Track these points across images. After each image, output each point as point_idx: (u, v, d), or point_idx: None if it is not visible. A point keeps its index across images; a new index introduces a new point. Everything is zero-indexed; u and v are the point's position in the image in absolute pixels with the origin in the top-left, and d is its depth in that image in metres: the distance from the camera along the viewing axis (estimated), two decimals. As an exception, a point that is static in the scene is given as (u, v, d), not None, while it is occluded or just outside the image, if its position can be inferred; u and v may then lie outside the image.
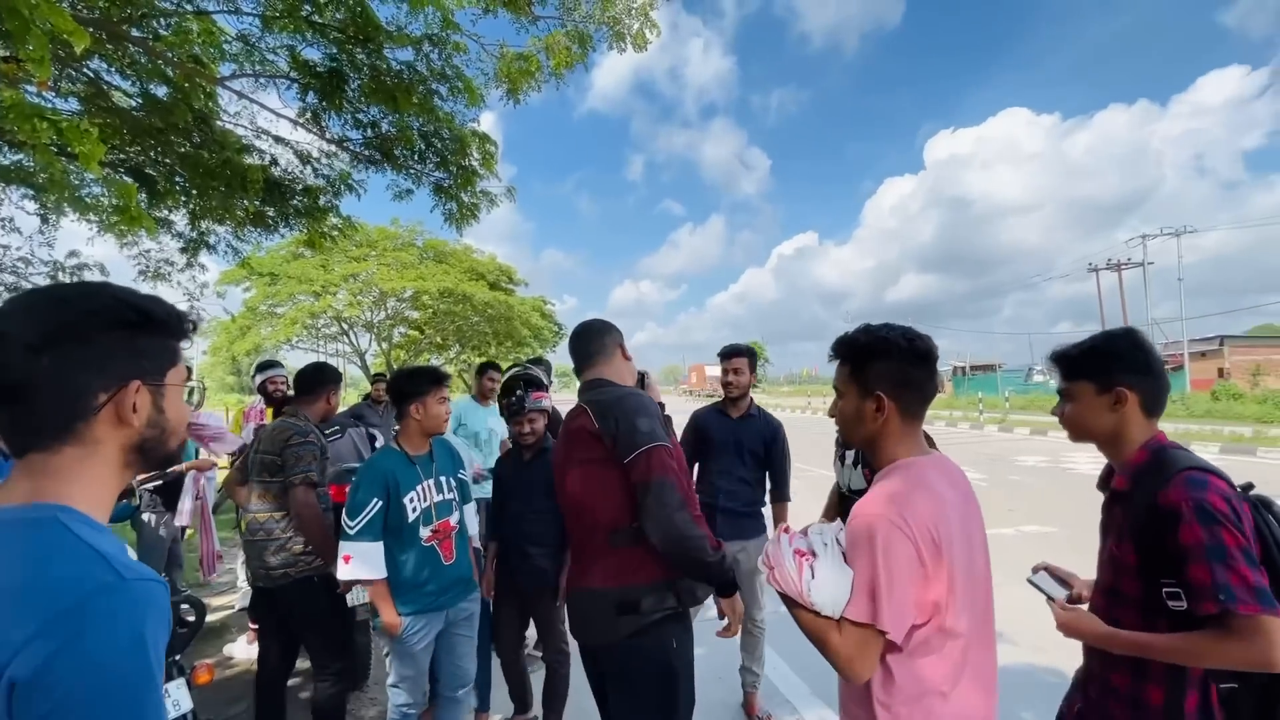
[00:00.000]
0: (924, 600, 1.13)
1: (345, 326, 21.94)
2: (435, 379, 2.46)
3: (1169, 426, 16.10)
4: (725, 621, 1.77)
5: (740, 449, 3.05)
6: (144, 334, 0.78)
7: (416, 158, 5.93)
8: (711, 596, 1.76)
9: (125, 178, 4.73)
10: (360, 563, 2.24)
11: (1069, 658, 3.27)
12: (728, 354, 3.11)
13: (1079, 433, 1.44)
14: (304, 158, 5.90)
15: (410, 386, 2.42)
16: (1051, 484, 8.90)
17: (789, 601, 1.20)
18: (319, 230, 6.71)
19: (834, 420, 1.39)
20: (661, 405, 2.27)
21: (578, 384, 1.88)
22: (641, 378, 2.82)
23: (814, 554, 1.20)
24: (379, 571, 2.27)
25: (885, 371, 1.23)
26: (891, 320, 1.29)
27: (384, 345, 23.28)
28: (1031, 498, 7.96)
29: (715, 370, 3.45)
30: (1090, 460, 11.00)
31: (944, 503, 1.18)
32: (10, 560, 0.64)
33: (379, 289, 19.33)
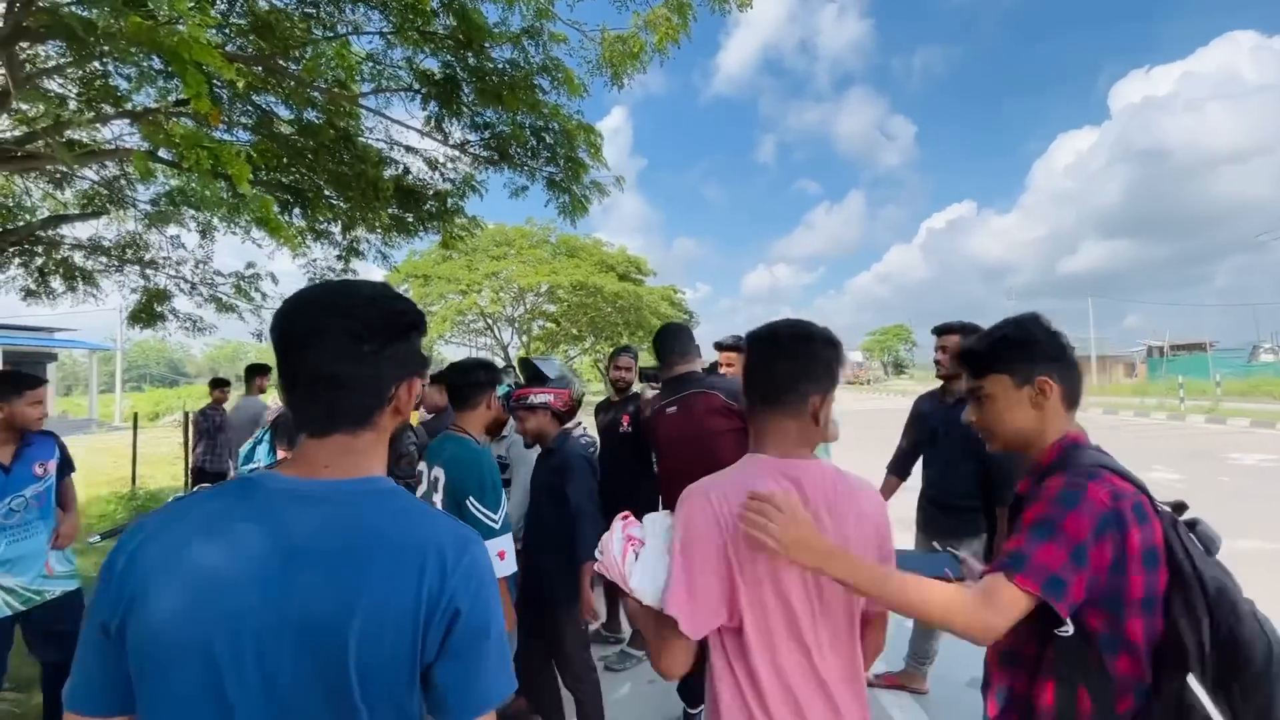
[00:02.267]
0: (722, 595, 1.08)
1: (489, 322, 23.75)
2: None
3: None
4: None
5: (954, 436, 2.86)
6: (420, 334, 0.88)
7: (530, 154, 6.15)
8: None
9: (280, 194, 5.39)
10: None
11: None
12: (940, 331, 2.98)
13: (999, 436, 1.25)
14: (432, 164, 6.36)
15: None
16: (1275, 488, 7.26)
17: (619, 590, 1.17)
18: (450, 231, 7.24)
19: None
20: None
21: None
22: (713, 367, 3.15)
23: (643, 542, 1.16)
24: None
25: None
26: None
27: (524, 338, 24.88)
28: (1247, 505, 6.54)
29: (856, 355, 3.37)
30: (1260, 456, 8.82)
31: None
32: (398, 518, 0.79)
33: (518, 285, 20.67)
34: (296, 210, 5.77)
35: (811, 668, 1.09)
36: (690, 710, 2.72)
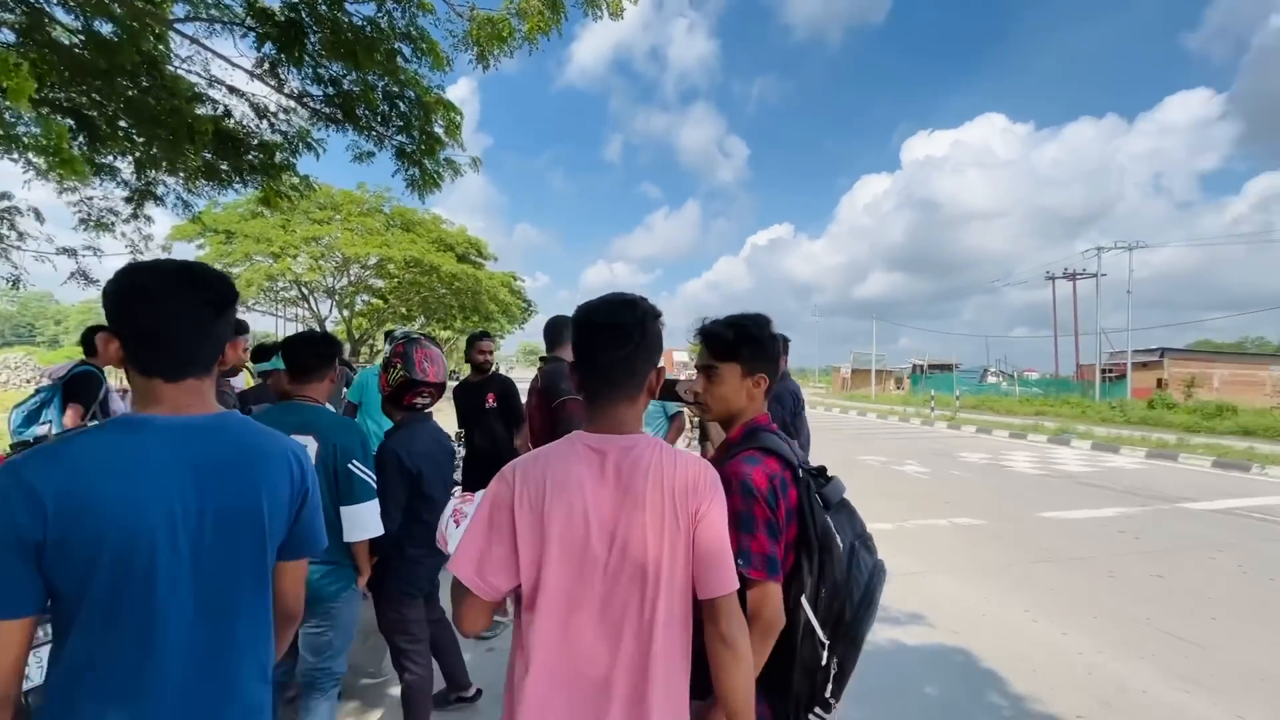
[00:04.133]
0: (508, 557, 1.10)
1: (305, 291, 21.36)
2: None
3: (1103, 431, 16.88)
4: None
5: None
6: (236, 305, 1.13)
7: (379, 120, 5.79)
8: None
9: (62, 119, 4.51)
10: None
11: (979, 640, 3.45)
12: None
13: (720, 411, 1.48)
14: (260, 111, 5.70)
15: None
16: (987, 480, 9.30)
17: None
18: (275, 188, 6.51)
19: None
20: None
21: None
22: None
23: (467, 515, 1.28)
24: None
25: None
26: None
27: (345, 312, 22.77)
28: (968, 492, 8.30)
29: (682, 355, 3.86)
30: (1028, 459, 11.50)
31: (565, 470, 1.13)
32: (262, 436, 1.12)
33: (342, 254, 18.85)
34: (80, 139, 4.85)
35: (609, 654, 1.09)
36: None
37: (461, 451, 3.68)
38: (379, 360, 4.17)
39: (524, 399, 3.51)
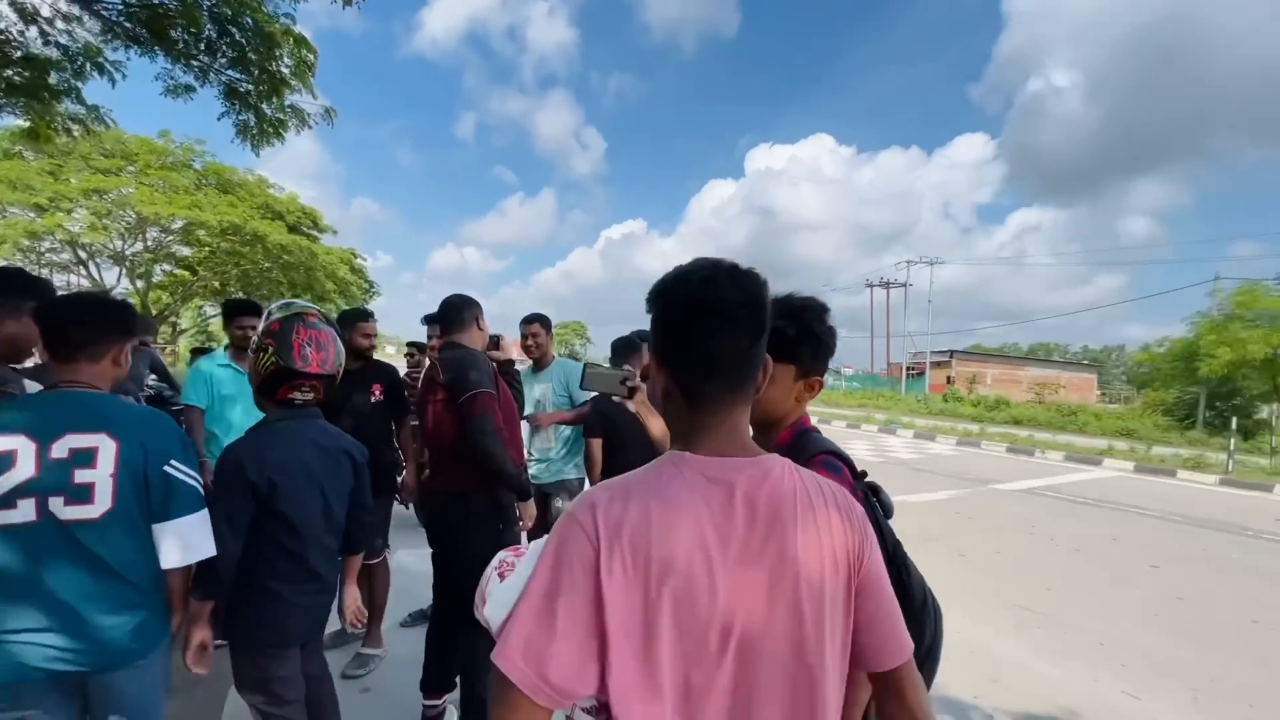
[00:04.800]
0: (590, 653, 0.72)
1: (83, 255, 17.50)
2: None
3: (922, 422, 19.25)
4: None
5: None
6: None
7: (203, 47, 4.72)
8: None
9: None
10: None
11: None
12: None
13: (758, 415, 1.20)
14: (27, 14, 4.37)
15: None
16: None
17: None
18: (46, 118, 5.09)
19: None
20: (511, 361, 2.81)
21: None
22: (495, 340, 3.04)
23: (513, 566, 0.91)
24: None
25: (653, 319, 0.87)
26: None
27: (139, 284, 19.06)
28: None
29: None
30: (866, 447, 12.71)
31: (677, 513, 0.76)
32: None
33: (136, 213, 15.65)
34: None
35: None
36: (429, 703, 2.47)
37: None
38: (186, 342, 3.31)
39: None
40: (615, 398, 1.67)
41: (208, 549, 1.49)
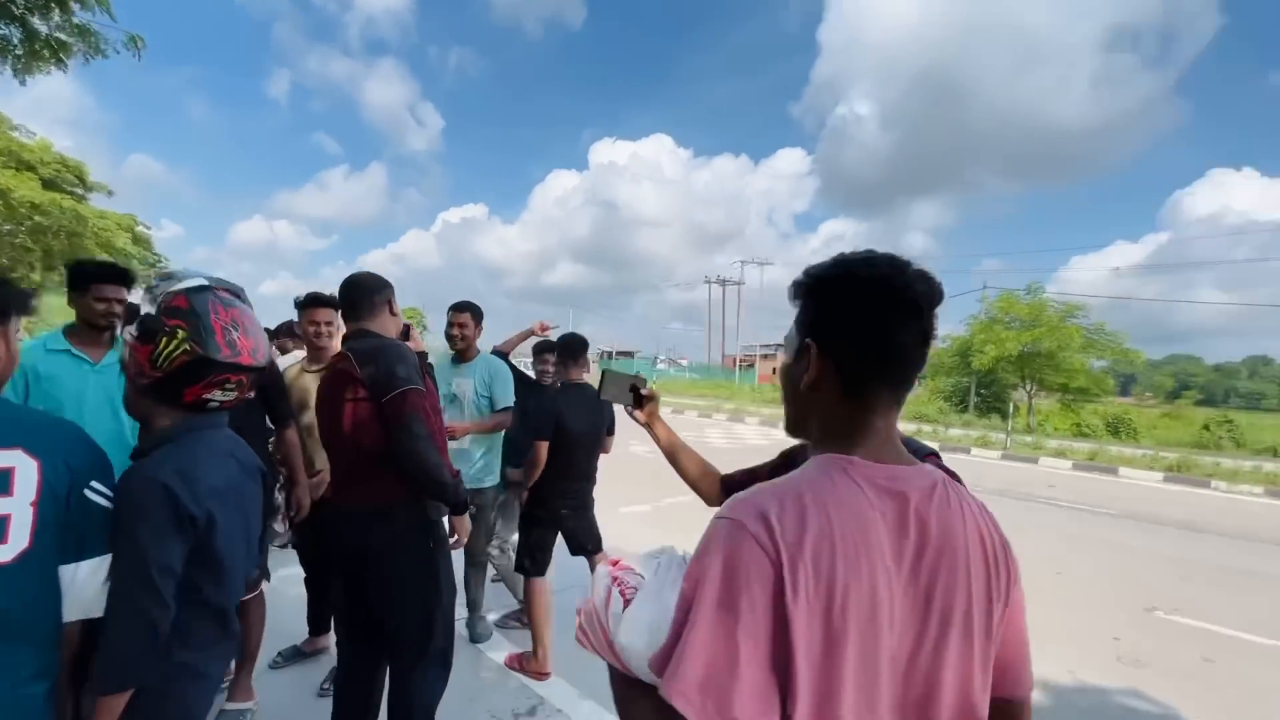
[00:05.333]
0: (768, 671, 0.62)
1: None
2: None
3: (768, 411, 20.78)
4: (457, 539, 2.25)
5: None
6: None
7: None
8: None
9: None
10: None
11: None
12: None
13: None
14: None
15: None
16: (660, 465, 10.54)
17: (614, 676, 0.77)
18: None
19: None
20: (423, 354, 2.50)
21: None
22: (406, 330, 2.65)
23: (635, 588, 0.80)
24: None
25: (827, 313, 0.77)
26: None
27: None
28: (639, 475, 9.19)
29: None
30: (720, 435, 13.41)
31: (860, 527, 0.67)
32: None
33: None
34: None
35: None
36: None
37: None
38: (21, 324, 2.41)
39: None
40: (622, 406, 1.54)
41: (95, 605, 1.08)
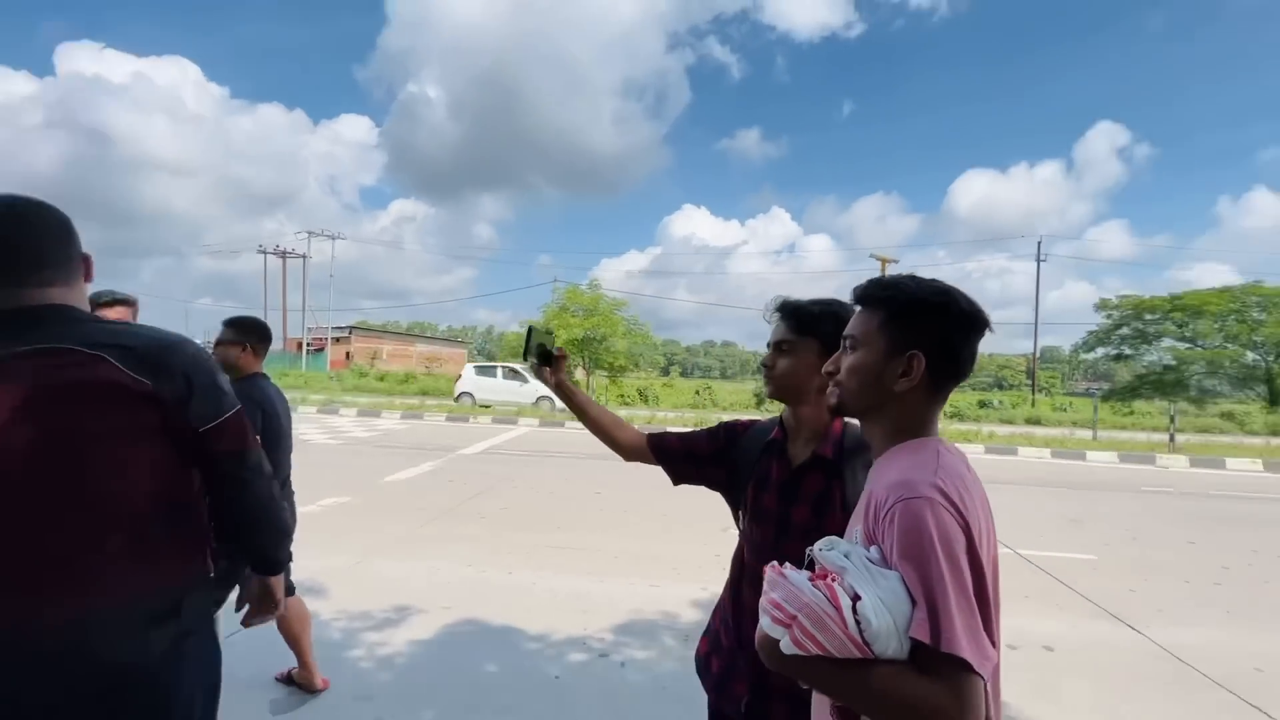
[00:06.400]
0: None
1: None
2: None
3: (365, 400, 19.01)
4: (252, 607, 1.54)
5: None
6: None
7: None
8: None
9: None
10: None
11: (470, 604, 3.77)
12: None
13: (804, 386, 1.37)
14: None
15: None
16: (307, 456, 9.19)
17: (827, 672, 0.79)
18: None
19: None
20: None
21: None
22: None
23: (835, 573, 0.82)
24: None
25: (932, 331, 0.96)
26: None
27: None
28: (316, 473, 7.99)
29: None
30: (321, 434, 11.79)
31: (976, 489, 0.91)
32: None
33: None
34: None
35: None
36: None
37: None
38: None
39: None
40: (526, 368, 1.49)
41: None
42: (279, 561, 1.43)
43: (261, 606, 1.49)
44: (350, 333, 47.63)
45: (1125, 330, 30.04)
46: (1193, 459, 11.76)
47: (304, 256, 41.17)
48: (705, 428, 1.58)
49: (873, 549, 0.86)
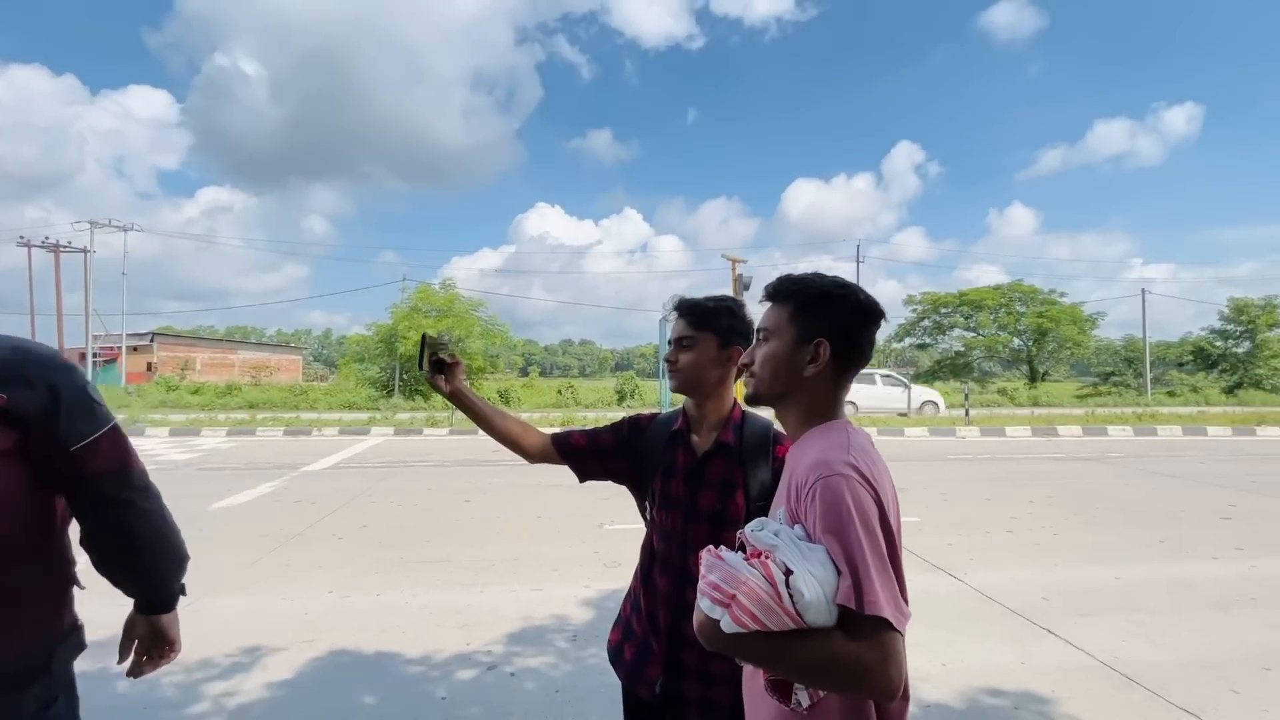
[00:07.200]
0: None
1: None
2: None
3: (177, 417, 16.42)
4: (139, 653, 1.26)
5: None
6: None
7: None
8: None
9: None
10: None
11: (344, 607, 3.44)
12: None
13: (702, 380, 1.48)
14: None
15: None
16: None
17: (763, 646, 0.84)
18: None
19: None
20: None
21: None
22: None
23: (767, 551, 0.88)
24: None
25: (836, 320, 1.05)
26: None
27: None
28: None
29: None
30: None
31: (882, 462, 1.00)
32: None
33: None
34: None
35: None
36: None
37: None
38: None
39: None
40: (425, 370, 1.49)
41: None
42: (173, 595, 1.25)
43: (153, 651, 1.26)
44: (152, 340, 41.04)
45: (926, 322, 36.08)
46: (982, 430, 14.03)
47: (85, 250, 34.33)
48: (610, 423, 1.61)
49: (797, 527, 0.93)
